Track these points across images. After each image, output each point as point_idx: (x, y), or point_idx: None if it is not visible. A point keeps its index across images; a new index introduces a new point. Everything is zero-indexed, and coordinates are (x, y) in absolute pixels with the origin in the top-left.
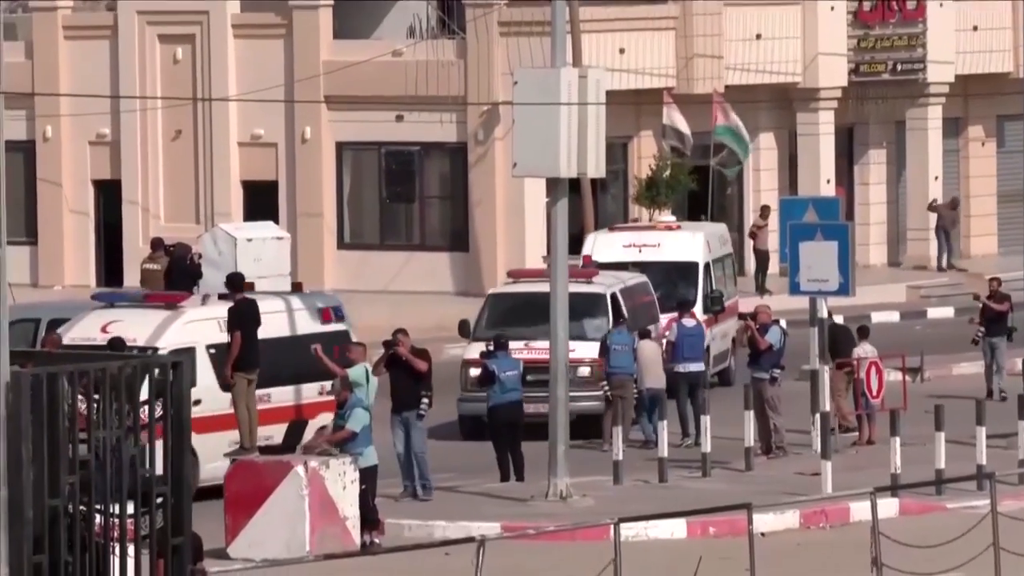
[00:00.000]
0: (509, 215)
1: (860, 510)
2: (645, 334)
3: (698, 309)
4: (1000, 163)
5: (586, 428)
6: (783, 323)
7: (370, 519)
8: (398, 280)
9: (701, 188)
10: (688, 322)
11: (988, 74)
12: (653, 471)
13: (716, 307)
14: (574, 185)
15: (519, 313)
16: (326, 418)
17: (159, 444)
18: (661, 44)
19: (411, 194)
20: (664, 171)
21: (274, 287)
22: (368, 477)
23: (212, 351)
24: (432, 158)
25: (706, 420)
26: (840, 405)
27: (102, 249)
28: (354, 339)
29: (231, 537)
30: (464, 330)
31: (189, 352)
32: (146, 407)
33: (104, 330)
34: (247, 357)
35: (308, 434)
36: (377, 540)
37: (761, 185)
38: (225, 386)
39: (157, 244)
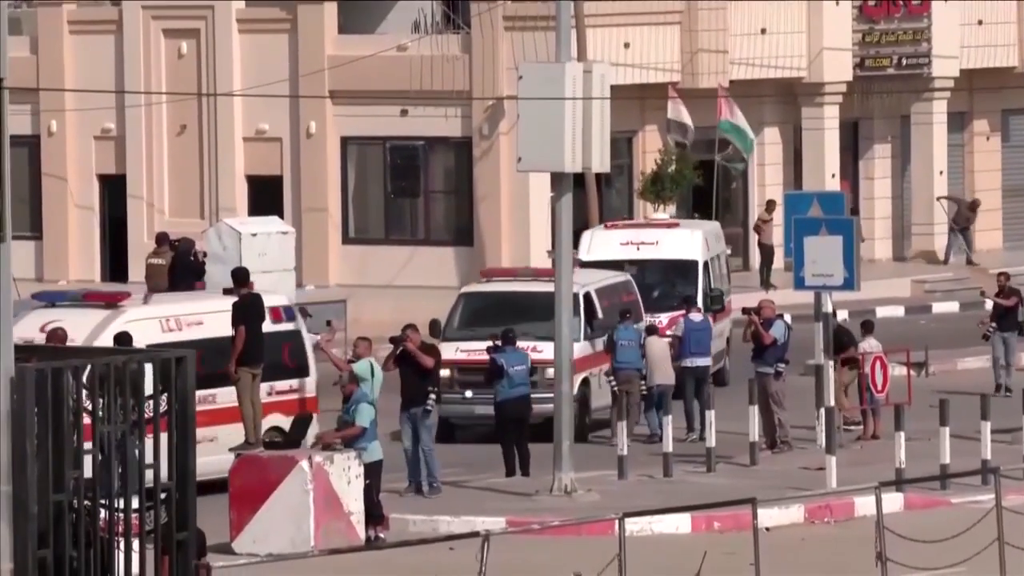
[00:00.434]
0: (514, 210)
1: (865, 505)
2: (652, 330)
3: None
4: (1005, 157)
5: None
6: (787, 318)
7: (375, 514)
8: (403, 275)
9: (706, 183)
10: (695, 317)
11: (993, 68)
12: (658, 466)
13: (716, 306)
14: (578, 180)
15: (491, 313)
16: (275, 419)
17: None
18: (666, 39)
19: (416, 189)
20: (669, 166)
21: (279, 282)
22: (372, 472)
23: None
24: (437, 153)
25: (711, 415)
26: (841, 401)
27: (107, 244)
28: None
29: (236, 532)
30: (435, 330)
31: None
32: (150, 402)
33: (43, 330)
34: (251, 352)
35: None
36: (382, 535)
37: (766, 180)
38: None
39: (162, 239)
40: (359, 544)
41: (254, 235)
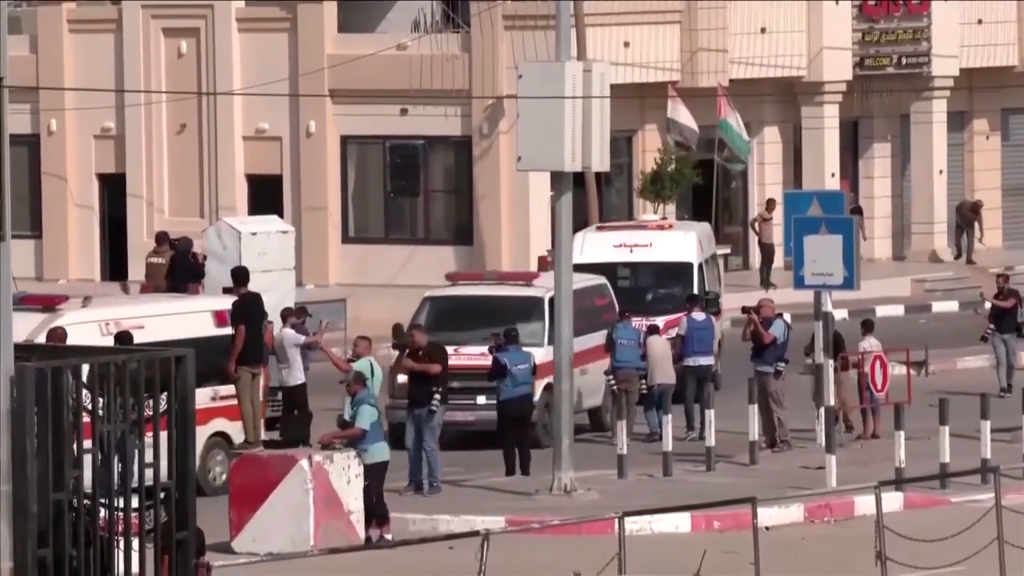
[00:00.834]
0: (513, 209)
1: (864, 504)
2: (654, 329)
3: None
4: (1005, 156)
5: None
6: (787, 317)
7: (379, 514)
8: (403, 274)
9: (706, 182)
10: (698, 316)
11: (993, 67)
12: (657, 465)
13: (712, 308)
14: (578, 179)
15: (455, 317)
16: (220, 423)
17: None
18: (666, 38)
19: (415, 188)
20: (669, 165)
21: (279, 281)
22: (377, 472)
23: None
24: (437, 152)
25: (710, 414)
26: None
27: (106, 243)
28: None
29: (235, 531)
30: (398, 334)
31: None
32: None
33: None
34: (251, 351)
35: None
36: (387, 536)
37: (766, 179)
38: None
39: (162, 238)
40: (359, 543)
41: (254, 234)
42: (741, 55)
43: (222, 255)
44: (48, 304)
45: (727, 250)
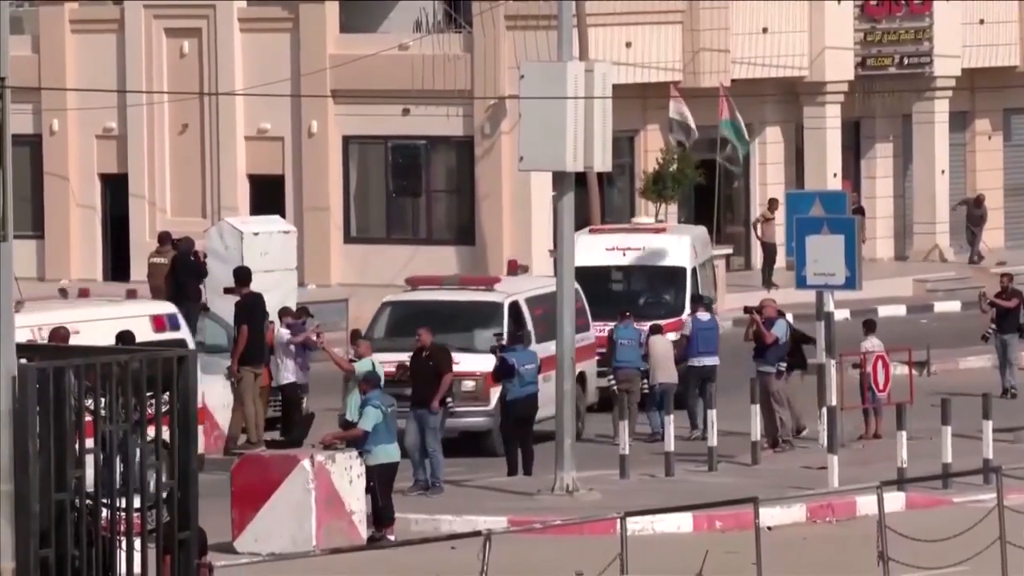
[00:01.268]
0: (515, 209)
1: (866, 504)
2: (656, 329)
3: (686, 316)
4: (1007, 156)
5: (474, 446)
6: (789, 317)
7: (386, 516)
8: (405, 274)
9: (708, 182)
10: (703, 316)
11: (995, 67)
12: (659, 465)
13: None
14: (580, 179)
15: (414, 322)
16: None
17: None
18: (668, 38)
19: (418, 188)
20: (671, 165)
21: (281, 281)
22: (382, 474)
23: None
24: (439, 152)
25: (712, 414)
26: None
27: (109, 243)
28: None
29: (237, 531)
30: (355, 341)
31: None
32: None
33: None
34: (253, 351)
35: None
36: (391, 537)
37: (768, 179)
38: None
39: (164, 238)
40: (360, 543)
41: (256, 234)
42: (743, 55)
43: (224, 255)
44: None
45: (729, 250)
